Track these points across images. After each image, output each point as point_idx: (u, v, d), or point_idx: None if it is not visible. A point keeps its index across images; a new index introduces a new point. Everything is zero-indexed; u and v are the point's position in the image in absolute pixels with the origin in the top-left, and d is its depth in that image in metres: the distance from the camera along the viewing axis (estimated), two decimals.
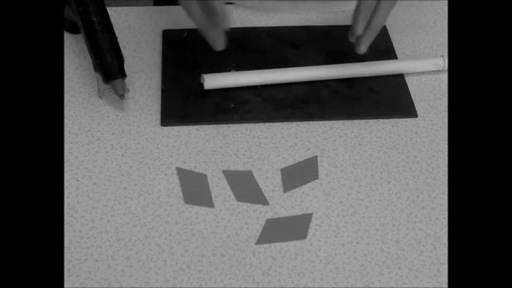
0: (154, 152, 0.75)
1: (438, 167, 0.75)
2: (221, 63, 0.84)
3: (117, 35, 0.79)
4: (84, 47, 0.85)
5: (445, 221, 0.70)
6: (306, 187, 0.73)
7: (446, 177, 0.74)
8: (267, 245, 0.68)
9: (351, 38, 0.78)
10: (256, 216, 0.70)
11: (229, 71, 0.83)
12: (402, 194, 0.72)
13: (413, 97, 0.82)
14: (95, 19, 0.76)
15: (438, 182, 0.74)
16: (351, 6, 0.92)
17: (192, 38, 0.87)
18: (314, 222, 0.70)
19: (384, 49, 0.87)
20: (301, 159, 0.75)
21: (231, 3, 0.93)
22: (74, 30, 0.87)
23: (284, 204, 0.71)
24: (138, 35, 0.88)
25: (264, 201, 0.71)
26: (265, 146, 0.76)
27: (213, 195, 0.71)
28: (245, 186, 0.72)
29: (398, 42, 0.89)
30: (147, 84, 0.82)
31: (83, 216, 0.69)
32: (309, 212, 0.70)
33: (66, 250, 0.66)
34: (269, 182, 0.73)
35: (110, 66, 0.76)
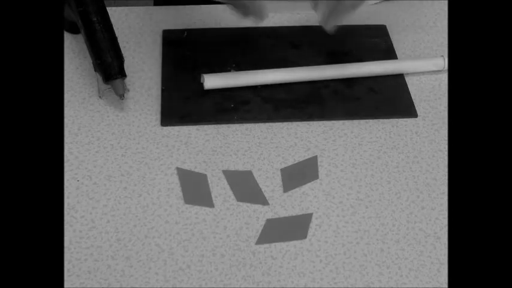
0: (154, 152, 0.75)
1: (438, 167, 0.75)
2: (221, 63, 0.84)
3: (117, 35, 0.79)
4: (84, 47, 0.85)
5: (445, 221, 0.70)
6: (306, 187, 0.73)
7: (446, 177, 0.74)
8: (267, 245, 0.68)
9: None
10: (256, 216, 0.70)
11: (229, 71, 0.83)
12: (402, 194, 0.72)
13: (413, 97, 0.82)
14: (95, 19, 0.76)
15: (438, 182, 0.74)
16: None
17: (192, 38, 0.87)
18: (314, 222, 0.70)
19: (383, 49, 0.87)
20: (301, 159, 0.75)
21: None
22: (74, 30, 0.87)
23: (284, 204, 0.71)
24: (138, 35, 0.88)
25: (264, 201, 0.71)
26: (265, 146, 0.76)
27: (213, 195, 0.71)
28: (245, 186, 0.72)
29: (398, 42, 0.89)
30: (147, 84, 0.82)
31: (83, 216, 0.69)
32: (309, 212, 0.70)
33: (66, 250, 0.66)
34: (269, 182, 0.73)
35: (110, 66, 0.76)
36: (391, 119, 0.80)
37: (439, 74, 0.86)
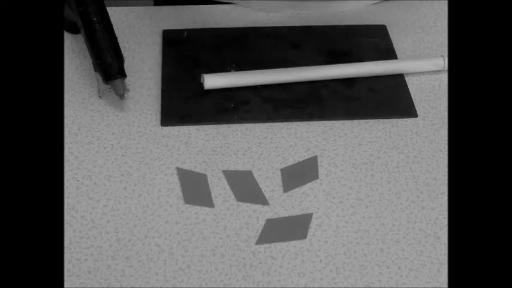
0: (154, 152, 0.75)
1: (438, 167, 0.75)
2: (221, 63, 0.84)
3: (117, 35, 0.79)
4: (84, 47, 0.85)
5: (445, 221, 0.70)
6: (306, 187, 0.73)
7: (446, 177, 0.74)
8: (267, 245, 0.68)
9: None
10: (256, 216, 0.70)
11: (229, 71, 0.83)
12: (402, 194, 0.72)
13: (413, 97, 0.82)
14: (95, 19, 0.76)
15: (438, 182, 0.74)
16: (351, 6, 0.93)
17: (192, 38, 0.87)
18: (314, 222, 0.70)
19: (384, 49, 0.87)
20: (301, 159, 0.75)
21: (231, 3, 0.93)
22: (74, 30, 0.87)
23: (284, 204, 0.71)
24: (138, 35, 0.88)
25: (264, 201, 0.71)
26: (265, 146, 0.76)
27: (213, 195, 0.71)
28: (245, 186, 0.72)
29: (398, 42, 0.89)
30: (147, 84, 0.82)
31: (83, 216, 0.69)
32: (309, 212, 0.70)
33: (66, 250, 0.66)
34: (269, 182, 0.73)
35: (110, 66, 0.76)
36: (391, 119, 0.80)
37: (439, 74, 0.86)
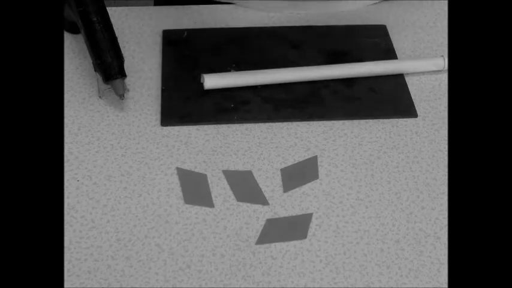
0: (154, 152, 0.75)
1: (438, 167, 0.75)
2: (221, 63, 0.84)
3: (117, 35, 0.79)
4: (84, 47, 0.85)
5: (445, 221, 0.70)
6: (306, 187, 0.73)
7: (446, 177, 0.74)
8: (267, 245, 0.68)
9: None
10: (256, 216, 0.70)
11: (229, 71, 0.83)
12: (402, 194, 0.72)
13: (413, 97, 0.82)
14: (95, 19, 0.76)
15: (438, 182, 0.74)
16: (351, 6, 0.93)
17: (192, 38, 0.87)
18: (314, 222, 0.70)
19: (384, 49, 0.87)
20: (301, 159, 0.75)
21: (231, 3, 0.93)
22: (74, 30, 0.87)
23: (284, 204, 0.71)
24: (138, 35, 0.88)
25: (264, 201, 0.71)
26: (265, 146, 0.76)
27: (213, 195, 0.71)
28: (245, 186, 0.72)
29: (398, 42, 0.89)
30: (147, 84, 0.82)
31: (83, 216, 0.69)
32: (309, 212, 0.70)
33: (66, 250, 0.66)
34: (269, 182, 0.73)
35: (110, 66, 0.76)
36: (391, 119, 0.80)
37: (439, 74, 0.86)
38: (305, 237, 0.68)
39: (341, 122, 0.79)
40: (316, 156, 0.75)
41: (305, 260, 0.67)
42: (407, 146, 0.77)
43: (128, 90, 0.79)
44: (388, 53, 0.87)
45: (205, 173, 0.73)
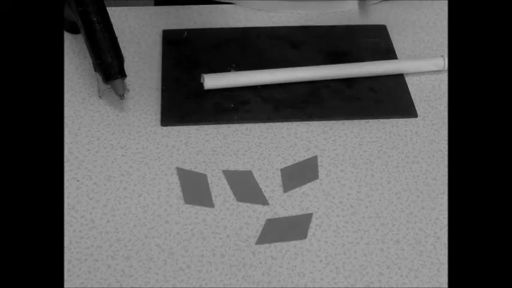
0: (154, 152, 0.75)
1: (438, 167, 0.75)
2: (221, 63, 0.84)
3: (117, 35, 0.79)
4: (84, 47, 0.85)
5: (445, 221, 0.70)
6: (306, 187, 0.73)
7: (446, 177, 0.74)
8: (267, 245, 0.68)
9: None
10: (256, 216, 0.70)
11: (229, 71, 0.83)
12: (402, 194, 0.72)
13: (413, 97, 0.82)
14: (95, 19, 0.76)
15: (438, 182, 0.74)
16: (351, 6, 0.93)
17: (192, 38, 0.87)
18: (314, 222, 0.70)
19: (384, 49, 0.87)
20: (301, 159, 0.75)
21: (231, 3, 0.93)
22: (74, 30, 0.87)
23: (284, 204, 0.71)
24: (138, 35, 0.88)
25: (264, 201, 0.71)
26: (265, 146, 0.76)
27: (213, 195, 0.71)
28: (245, 186, 0.72)
29: (398, 42, 0.89)
30: (147, 84, 0.82)
31: (83, 216, 0.69)
32: (309, 212, 0.70)
33: (66, 250, 0.66)
34: (269, 182, 0.73)
35: (110, 66, 0.76)
36: (391, 119, 0.80)
37: (439, 74, 0.86)
38: (305, 237, 0.68)
39: (341, 122, 0.79)
40: (316, 156, 0.75)
41: (305, 260, 0.67)
42: (407, 146, 0.77)
43: (128, 90, 0.79)
44: (388, 53, 0.87)
45: (205, 173, 0.73)
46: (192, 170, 0.73)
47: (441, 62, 0.84)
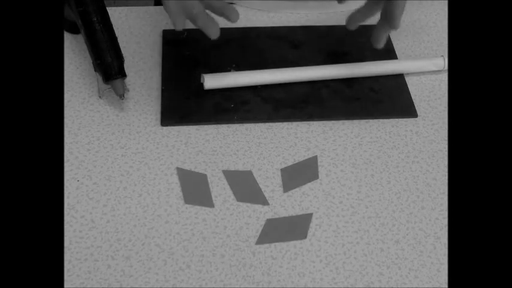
0: (154, 152, 0.75)
1: (438, 167, 0.75)
2: (221, 63, 0.84)
3: (117, 35, 0.79)
4: (84, 47, 0.85)
5: (445, 221, 0.70)
6: (306, 187, 0.73)
7: (446, 177, 0.74)
8: (267, 245, 0.68)
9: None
10: (256, 216, 0.70)
11: (229, 71, 0.83)
12: (402, 194, 0.72)
13: (413, 97, 0.82)
14: (95, 19, 0.76)
15: (438, 182, 0.74)
16: (351, 6, 0.93)
17: (192, 38, 0.87)
18: (314, 222, 0.70)
19: (384, 49, 0.87)
20: (301, 159, 0.75)
21: (231, 3, 0.93)
22: (74, 30, 0.87)
23: (284, 204, 0.71)
24: (138, 35, 0.88)
25: (264, 201, 0.71)
26: (265, 146, 0.76)
27: (213, 195, 0.71)
28: (245, 186, 0.72)
29: (398, 42, 0.89)
30: (147, 84, 0.82)
31: (83, 216, 0.69)
32: (309, 212, 0.70)
33: (66, 250, 0.66)
34: (269, 182, 0.73)
35: (110, 66, 0.76)
36: (391, 119, 0.80)
37: (439, 74, 0.86)
38: (305, 237, 0.68)
39: (341, 122, 0.79)
40: (316, 156, 0.75)
41: (305, 260, 0.67)
42: (407, 146, 0.77)
43: (128, 90, 0.79)
44: (388, 53, 0.87)
45: (205, 173, 0.73)
46: (192, 170, 0.73)
47: (441, 62, 0.84)
